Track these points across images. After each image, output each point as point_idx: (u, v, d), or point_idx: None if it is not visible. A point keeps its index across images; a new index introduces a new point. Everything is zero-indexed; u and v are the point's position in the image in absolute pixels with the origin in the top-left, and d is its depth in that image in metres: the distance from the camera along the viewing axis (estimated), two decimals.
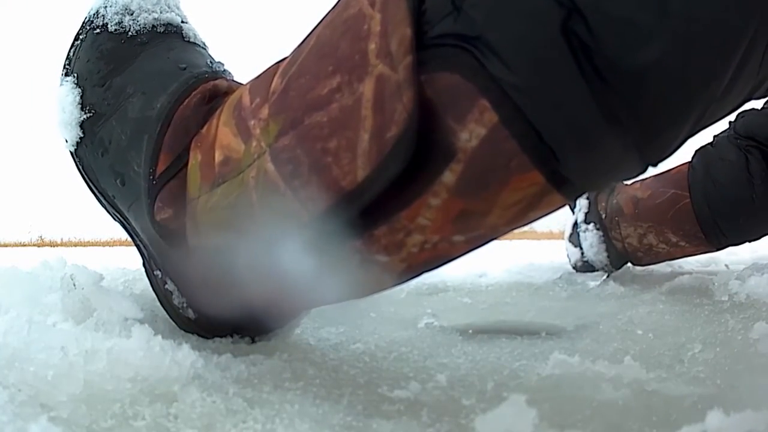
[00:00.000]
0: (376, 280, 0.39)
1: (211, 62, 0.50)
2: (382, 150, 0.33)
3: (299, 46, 0.40)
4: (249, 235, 0.40)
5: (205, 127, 0.44)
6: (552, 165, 0.32)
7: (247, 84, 0.44)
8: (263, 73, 0.42)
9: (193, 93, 0.46)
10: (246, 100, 0.41)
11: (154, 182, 0.45)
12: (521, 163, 0.32)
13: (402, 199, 0.34)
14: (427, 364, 0.50)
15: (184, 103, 0.46)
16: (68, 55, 0.51)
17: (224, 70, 0.51)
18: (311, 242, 0.37)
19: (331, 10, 0.38)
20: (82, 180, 0.51)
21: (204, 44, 0.53)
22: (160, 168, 0.45)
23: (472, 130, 0.31)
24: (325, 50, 0.36)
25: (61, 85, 0.51)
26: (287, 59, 0.40)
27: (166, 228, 0.45)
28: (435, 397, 0.41)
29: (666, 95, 0.31)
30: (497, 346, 0.56)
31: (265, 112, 0.38)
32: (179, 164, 0.45)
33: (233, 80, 0.50)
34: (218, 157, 0.41)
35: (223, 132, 0.42)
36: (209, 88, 0.47)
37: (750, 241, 0.91)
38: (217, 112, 0.44)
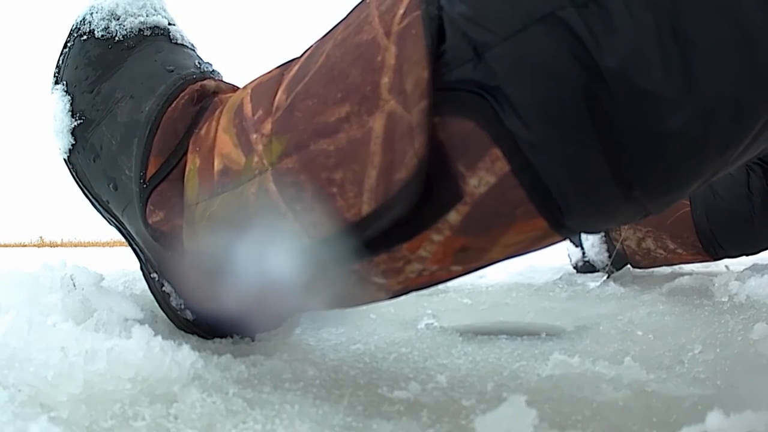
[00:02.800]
0: (371, 295, 0.39)
1: (199, 63, 0.50)
2: (389, 190, 0.32)
3: (307, 58, 0.38)
4: (246, 247, 0.40)
5: (204, 129, 0.44)
6: (557, 215, 0.32)
7: (248, 87, 0.43)
8: (266, 78, 0.42)
9: (181, 94, 0.46)
10: (248, 109, 0.40)
11: (145, 185, 0.45)
12: (527, 210, 0.32)
13: (405, 232, 0.34)
14: (427, 364, 0.50)
15: (172, 105, 0.46)
16: (58, 63, 0.51)
17: (213, 71, 0.50)
18: (309, 261, 0.36)
19: (343, 24, 0.37)
20: (77, 186, 0.52)
21: (192, 45, 0.53)
22: (151, 171, 0.45)
23: (482, 177, 0.31)
24: (335, 74, 0.35)
25: (51, 93, 0.51)
26: (293, 71, 0.39)
27: (159, 230, 0.45)
28: (435, 397, 0.41)
29: (680, 162, 0.30)
30: (497, 346, 0.56)
31: (267, 127, 0.38)
32: (169, 166, 0.45)
33: (222, 80, 0.50)
34: (217, 165, 0.41)
35: (222, 139, 0.41)
36: (197, 89, 0.47)
37: (748, 255, 0.91)
38: (216, 113, 0.44)
